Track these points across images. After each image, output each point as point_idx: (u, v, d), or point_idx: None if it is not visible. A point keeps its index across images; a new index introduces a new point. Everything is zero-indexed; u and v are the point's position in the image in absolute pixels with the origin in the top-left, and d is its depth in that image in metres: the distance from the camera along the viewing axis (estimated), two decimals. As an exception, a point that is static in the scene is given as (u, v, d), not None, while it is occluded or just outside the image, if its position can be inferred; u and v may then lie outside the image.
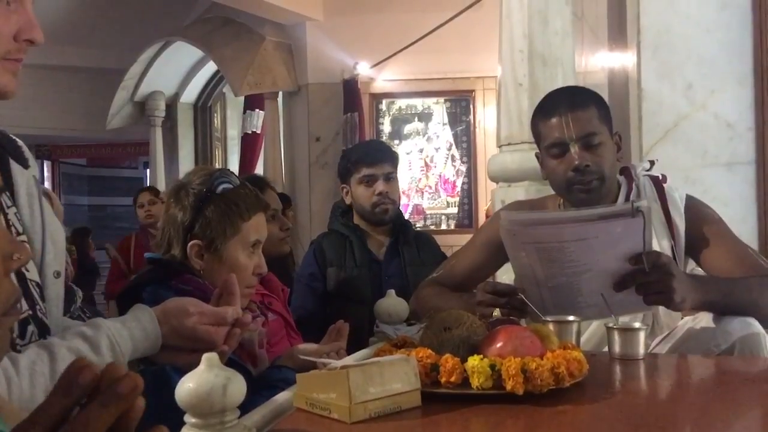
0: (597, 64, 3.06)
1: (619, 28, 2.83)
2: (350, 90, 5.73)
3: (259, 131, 6.60)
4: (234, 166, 7.29)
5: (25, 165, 1.14)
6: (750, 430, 1.09)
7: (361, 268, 2.51)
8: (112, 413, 0.50)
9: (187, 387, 0.78)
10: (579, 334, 1.45)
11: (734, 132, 2.63)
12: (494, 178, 2.88)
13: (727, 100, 2.63)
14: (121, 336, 1.06)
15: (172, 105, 7.84)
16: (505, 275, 2.11)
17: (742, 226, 2.50)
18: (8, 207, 1.08)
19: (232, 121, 7.83)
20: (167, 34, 6.93)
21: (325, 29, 5.85)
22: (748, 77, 2.63)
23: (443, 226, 5.92)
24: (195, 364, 0.81)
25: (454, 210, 5.94)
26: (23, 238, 1.08)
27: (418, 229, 4.96)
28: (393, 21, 5.58)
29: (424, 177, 5.96)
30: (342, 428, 0.97)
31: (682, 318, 1.64)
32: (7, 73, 1.02)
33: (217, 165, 7.62)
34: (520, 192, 2.62)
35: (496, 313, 1.55)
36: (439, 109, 5.94)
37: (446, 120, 5.93)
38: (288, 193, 5.64)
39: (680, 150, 2.61)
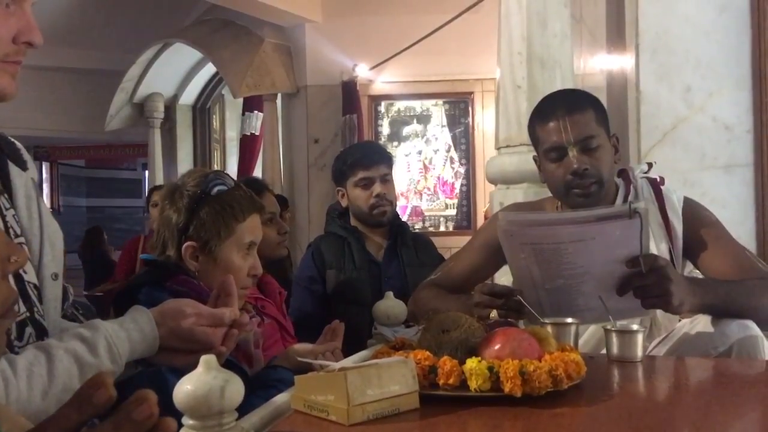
0: (595, 66, 3.06)
1: (617, 30, 2.83)
2: (349, 92, 5.73)
3: (257, 133, 6.60)
4: (233, 167, 7.30)
5: (23, 167, 1.14)
6: (747, 432, 1.09)
7: (360, 270, 2.51)
8: None
9: (184, 389, 0.78)
10: (577, 336, 1.45)
11: (732, 134, 2.62)
12: (492, 180, 2.88)
13: (726, 102, 2.63)
14: (118, 338, 1.06)
15: (170, 106, 7.83)
16: (504, 277, 2.11)
17: (741, 228, 2.49)
18: (6, 209, 1.08)
19: (231, 123, 7.84)
20: (166, 35, 6.93)
21: (324, 31, 5.85)
22: (747, 80, 2.63)
23: (442, 228, 5.92)
24: (192, 366, 0.81)
25: (453, 212, 5.94)
26: (21, 240, 1.08)
27: (417, 230, 4.97)
28: (392, 23, 5.58)
29: (423, 179, 5.96)
30: (340, 430, 0.97)
31: (680, 320, 1.64)
32: (6, 75, 1.03)
33: (216, 167, 7.61)
34: (518, 194, 2.63)
35: (494, 314, 1.55)
36: (437, 111, 5.94)
37: (445, 122, 5.93)
38: (287, 194, 5.64)
39: (678, 152, 2.61)
